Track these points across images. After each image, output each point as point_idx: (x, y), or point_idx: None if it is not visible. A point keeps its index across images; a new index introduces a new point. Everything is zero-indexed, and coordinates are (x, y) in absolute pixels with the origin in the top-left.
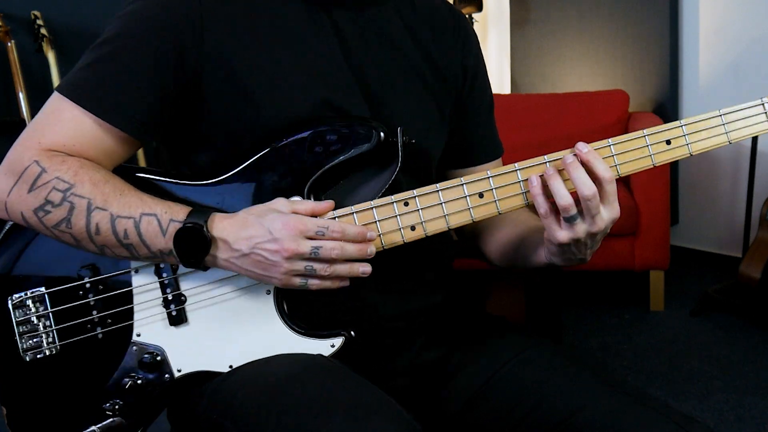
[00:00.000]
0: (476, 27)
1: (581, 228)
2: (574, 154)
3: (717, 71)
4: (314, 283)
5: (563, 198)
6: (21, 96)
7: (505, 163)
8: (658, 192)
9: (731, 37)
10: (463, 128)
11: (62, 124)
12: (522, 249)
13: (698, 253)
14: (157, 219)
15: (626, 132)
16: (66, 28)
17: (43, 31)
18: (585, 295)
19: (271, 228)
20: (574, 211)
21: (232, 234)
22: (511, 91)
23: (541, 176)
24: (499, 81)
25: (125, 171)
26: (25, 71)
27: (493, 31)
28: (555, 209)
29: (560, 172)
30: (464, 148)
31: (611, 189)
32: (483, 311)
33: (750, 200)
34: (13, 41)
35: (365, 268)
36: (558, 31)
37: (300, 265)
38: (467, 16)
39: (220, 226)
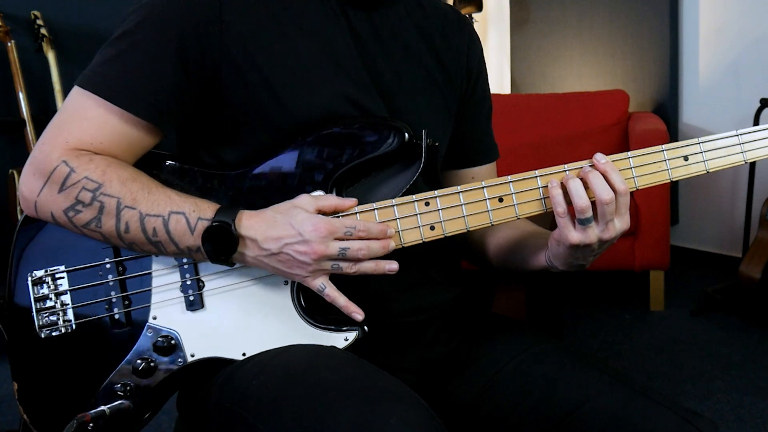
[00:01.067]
0: (476, 27)
1: (593, 232)
2: (592, 165)
3: (717, 71)
4: (329, 294)
5: (581, 198)
6: (21, 96)
7: (501, 165)
8: (658, 192)
9: (731, 37)
10: (462, 131)
11: (88, 122)
12: (520, 252)
13: (698, 253)
14: (186, 217)
15: (626, 132)
16: (66, 28)
17: (43, 31)
18: (585, 295)
19: (301, 230)
20: (590, 213)
21: (261, 233)
22: (511, 91)
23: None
24: (499, 81)
25: (155, 159)
26: (25, 71)
27: (493, 31)
28: (571, 211)
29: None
30: (461, 150)
31: (624, 201)
32: (489, 310)
33: (750, 200)
34: (13, 41)
35: (392, 266)
36: (558, 31)
37: (327, 265)
38: (467, 16)
39: (248, 224)
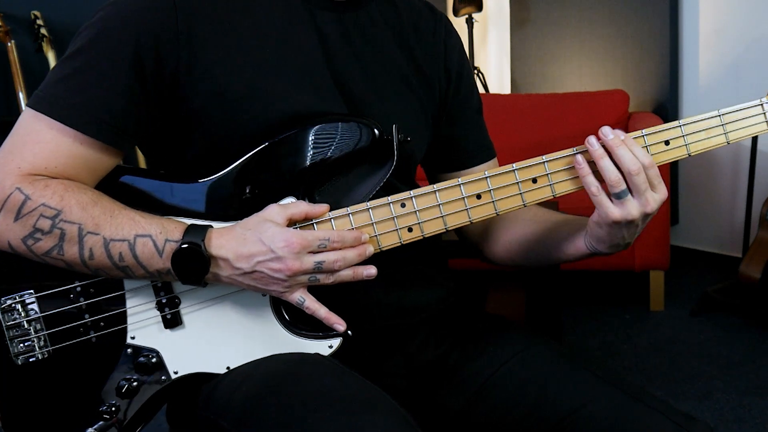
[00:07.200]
0: (476, 27)
1: (634, 206)
2: (600, 142)
3: (717, 71)
4: (308, 307)
5: (612, 173)
6: (21, 96)
7: (504, 164)
8: None
9: (731, 37)
10: (453, 131)
11: (41, 146)
12: (546, 244)
13: (698, 253)
14: (153, 240)
15: (626, 132)
16: (66, 28)
17: (43, 31)
18: (585, 295)
19: (273, 246)
20: (623, 185)
21: (232, 252)
22: (511, 91)
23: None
24: (499, 81)
25: (115, 173)
26: (25, 71)
27: (493, 31)
28: (604, 189)
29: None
30: (455, 151)
31: (654, 173)
32: (482, 311)
33: (750, 200)
34: (13, 41)
35: (370, 271)
36: (558, 31)
37: (303, 279)
38: (467, 16)
39: (218, 243)
